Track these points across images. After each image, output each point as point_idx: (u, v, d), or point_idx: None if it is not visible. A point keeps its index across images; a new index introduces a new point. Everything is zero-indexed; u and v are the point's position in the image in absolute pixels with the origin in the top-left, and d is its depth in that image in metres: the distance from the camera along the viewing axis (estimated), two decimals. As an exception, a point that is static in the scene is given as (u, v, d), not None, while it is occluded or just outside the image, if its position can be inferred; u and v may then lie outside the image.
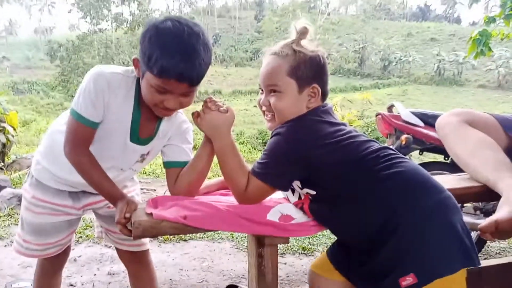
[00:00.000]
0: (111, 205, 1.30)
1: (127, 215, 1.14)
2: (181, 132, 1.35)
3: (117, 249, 1.61)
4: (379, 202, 1.03)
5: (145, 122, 1.28)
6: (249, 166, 1.19)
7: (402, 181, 1.04)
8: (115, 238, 1.55)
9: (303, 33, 1.17)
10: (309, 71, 1.16)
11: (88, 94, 1.18)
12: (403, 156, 1.12)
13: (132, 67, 1.23)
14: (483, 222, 1.12)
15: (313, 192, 1.13)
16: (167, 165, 1.33)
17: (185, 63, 1.08)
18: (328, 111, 1.19)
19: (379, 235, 1.01)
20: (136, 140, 1.30)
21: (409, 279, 0.97)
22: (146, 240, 1.60)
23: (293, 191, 1.19)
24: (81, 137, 1.22)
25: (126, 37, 35.13)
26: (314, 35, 1.20)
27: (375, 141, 1.15)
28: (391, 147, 1.15)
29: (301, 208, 1.18)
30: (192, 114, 1.23)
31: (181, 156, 1.33)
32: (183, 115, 1.37)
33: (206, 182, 1.37)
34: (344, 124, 1.19)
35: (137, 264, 1.61)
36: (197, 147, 1.29)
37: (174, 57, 1.06)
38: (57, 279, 1.63)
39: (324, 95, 1.20)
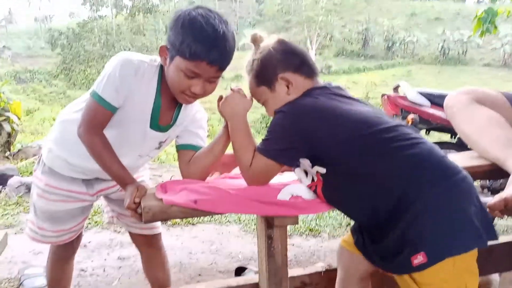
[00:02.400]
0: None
1: (137, 200, 1.15)
2: (196, 120, 1.39)
3: (129, 232, 1.63)
4: (394, 181, 1.02)
5: (165, 110, 1.31)
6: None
7: (418, 160, 1.03)
8: (128, 222, 1.57)
9: (255, 40, 1.23)
10: (266, 70, 1.20)
11: (113, 79, 1.20)
12: (419, 135, 1.11)
13: (155, 56, 1.27)
14: (492, 200, 1.12)
15: (323, 170, 1.11)
16: (182, 147, 1.36)
17: (216, 47, 1.14)
18: (329, 88, 1.18)
19: (392, 214, 1.01)
20: (156, 127, 1.32)
21: (420, 258, 0.98)
22: (158, 223, 1.62)
23: (306, 173, 1.19)
24: (99, 119, 1.23)
25: (127, 23, 34.87)
26: (268, 34, 1.25)
27: (389, 117, 1.14)
28: (407, 125, 1.14)
29: (315, 191, 1.17)
30: (218, 99, 1.26)
31: (196, 140, 1.36)
32: (199, 105, 1.41)
33: None
34: (354, 99, 1.18)
35: (150, 247, 1.63)
36: (210, 137, 1.34)
37: (206, 41, 1.13)
38: (70, 265, 1.65)
39: (304, 71, 1.20)
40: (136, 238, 1.63)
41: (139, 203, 1.15)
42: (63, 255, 1.59)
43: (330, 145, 1.08)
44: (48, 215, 1.44)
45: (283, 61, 1.19)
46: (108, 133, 1.26)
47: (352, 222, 1.26)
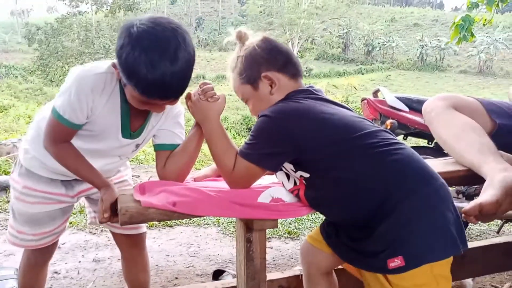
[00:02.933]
0: None
1: (106, 215, 1.15)
2: (172, 116, 1.33)
3: (112, 232, 1.58)
4: (377, 185, 1.03)
5: (136, 115, 1.26)
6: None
7: (400, 166, 1.04)
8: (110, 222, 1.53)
9: (240, 37, 1.21)
10: (250, 68, 1.18)
11: (70, 98, 1.15)
12: (400, 141, 1.12)
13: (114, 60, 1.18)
14: (467, 205, 1.14)
15: (307, 175, 1.11)
16: (158, 147, 1.31)
17: (169, 88, 1.06)
18: (312, 91, 1.18)
19: (373, 216, 1.02)
20: (128, 136, 1.28)
21: (397, 261, 0.99)
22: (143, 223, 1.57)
23: (288, 176, 1.18)
24: (61, 135, 1.22)
25: (107, 20, 34.27)
26: (252, 31, 1.23)
27: (371, 122, 1.15)
28: (388, 130, 1.14)
29: (297, 195, 1.17)
30: (186, 96, 1.21)
31: (173, 139, 1.31)
32: None
33: (201, 171, 1.37)
34: (337, 104, 1.18)
35: (133, 247, 1.59)
36: (187, 131, 1.29)
37: (156, 78, 1.02)
38: (45, 271, 1.59)
39: (289, 71, 1.19)
40: (119, 238, 1.58)
41: (110, 216, 1.15)
42: (38, 260, 1.53)
43: (314, 150, 1.08)
44: (27, 218, 1.39)
45: (267, 59, 1.18)
46: (83, 142, 1.25)
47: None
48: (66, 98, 1.16)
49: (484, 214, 1.13)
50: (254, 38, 1.21)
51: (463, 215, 1.13)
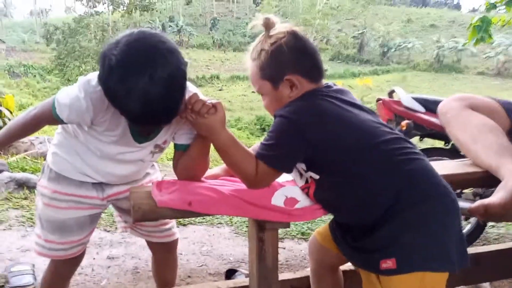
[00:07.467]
0: None
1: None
2: None
3: (147, 241, 1.59)
4: (386, 193, 1.03)
5: None
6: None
7: (414, 175, 1.04)
8: (145, 232, 1.53)
9: (267, 25, 1.13)
10: (274, 67, 1.12)
11: (70, 111, 1.17)
12: (417, 151, 1.11)
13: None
14: (474, 204, 1.15)
15: (317, 177, 1.11)
16: (175, 147, 1.29)
17: (153, 110, 1.00)
18: (330, 92, 1.14)
19: (379, 219, 1.02)
20: (140, 141, 1.27)
21: (389, 263, 1.00)
22: (175, 229, 1.58)
23: (300, 174, 1.18)
24: (44, 121, 1.27)
25: (123, 20, 34.69)
26: (280, 19, 1.15)
27: (389, 128, 1.12)
28: (406, 138, 1.12)
29: (307, 193, 1.17)
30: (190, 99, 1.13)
31: (185, 140, 1.24)
32: (191, 89, 1.21)
33: (211, 170, 1.35)
34: (355, 105, 1.14)
35: (166, 253, 1.61)
36: None
37: (144, 111, 0.99)
38: (68, 283, 1.58)
39: (312, 76, 1.14)
40: (154, 246, 1.59)
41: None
42: (66, 272, 1.51)
43: (328, 153, 1.07)
44: (56, 226, 1.37)
45: (293, 63, 1.12)
46: (106, 148, 1.27)
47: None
48: (65, 104, 1.17)
49: (490, 214, 1.13)
50: (281, 29, 1.12)
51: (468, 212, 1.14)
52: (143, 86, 0.96)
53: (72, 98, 1.16)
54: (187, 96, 1.16)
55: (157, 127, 1.21)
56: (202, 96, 1.11)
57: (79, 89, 1.15)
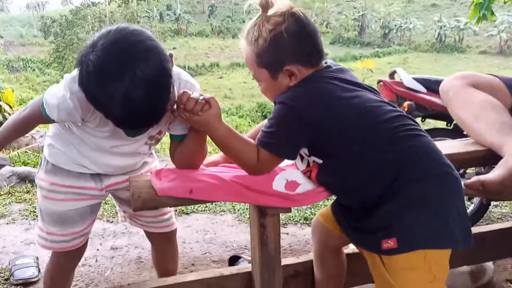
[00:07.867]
0: None
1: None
2: None
3: (145, 231, 1.58)
4: (387, 172, 1.02)
5: None
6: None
7: (417, 152, 1.03)
8: (143, 222, 1.52)
9: (263, 6, 1.06)
10: (273, 56, 1.07)
11: (59, 111, 1.15)
12: (420, 128, 1.09)
13: None
14: (470, 179, 1.14)
15: (320, 161, 1.11)
16: (170, 137, 1.27)
17: (142, 116, 0.99)
18: (330, 73, 1.11)
19: (380, 198, 1.02)
20: (133, 134, 1.25)
21: (390, 243, 1.00)
22: (174, 219, 1.57)
23: (301, 158, 1.16)
24: (38, 122, 1.27)
25: (120, 10, 34.44)
26: None
27: (391, 105, 1.10)
28: (409, 115, 1.10)
29: (309, 177, 1.16)
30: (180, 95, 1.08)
31: (181, 130, 1.22)
32: (187, 79, 1.20)
33: (211, 157, 1.34)
34: (357, 84, 1.11)
35: (165, 243, 1.60)
36: None
37: (129, 116, 0.98)
38: (72, 275, 1.58)
39: (312, 61, 1.09)
40: (152, 236, 1.58)
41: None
42: (68, 264, 1.50)
43: (330, 136, 1.06)
44: (56, 217, 1.36)
45: (293, 51, 1.07)
46: (100, 142, 1.26)
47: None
48: (53, 103, 1.16)
49: (486, 190, 1.12)
50: (281, 9, 1.05)
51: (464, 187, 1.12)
52: (124, 91, 0.93)
53: (59, 98, 1.14)
54: (183, 86, 1.13)
55: (146, 129, 1.19)
56: (195, 93, 1.08)
57: (65, 88, 1.13)
